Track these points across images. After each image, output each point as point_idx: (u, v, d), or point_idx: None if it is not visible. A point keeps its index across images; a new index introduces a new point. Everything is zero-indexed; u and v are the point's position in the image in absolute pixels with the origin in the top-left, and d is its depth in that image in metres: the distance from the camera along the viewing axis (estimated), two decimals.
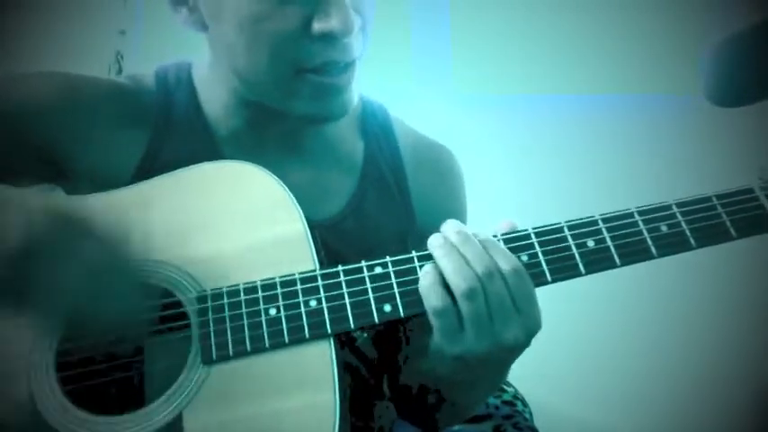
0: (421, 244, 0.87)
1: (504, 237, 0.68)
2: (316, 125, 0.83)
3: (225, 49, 0.76)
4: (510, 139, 1.88)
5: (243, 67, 0.75)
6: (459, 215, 0.93)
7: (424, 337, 0.87)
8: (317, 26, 0.69)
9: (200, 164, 0.74)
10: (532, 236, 0.68)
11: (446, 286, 0.64)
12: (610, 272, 0.68)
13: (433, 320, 0.65)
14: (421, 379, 0.79)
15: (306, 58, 0.72)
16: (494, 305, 0.63)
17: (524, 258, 0.67)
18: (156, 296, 0.68)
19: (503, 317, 0.63)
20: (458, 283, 0.63)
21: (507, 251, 0.66)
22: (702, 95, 1.25)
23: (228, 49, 0.75)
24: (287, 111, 0.77)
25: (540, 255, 0.67)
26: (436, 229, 0.88)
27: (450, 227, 0.67)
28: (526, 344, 0.65)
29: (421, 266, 0.67)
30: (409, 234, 0.87)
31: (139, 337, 0.68)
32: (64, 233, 0.60)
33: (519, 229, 0.69)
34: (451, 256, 0.64)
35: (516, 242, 0.68)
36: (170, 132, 0.81)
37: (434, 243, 0.67)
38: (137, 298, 0.65)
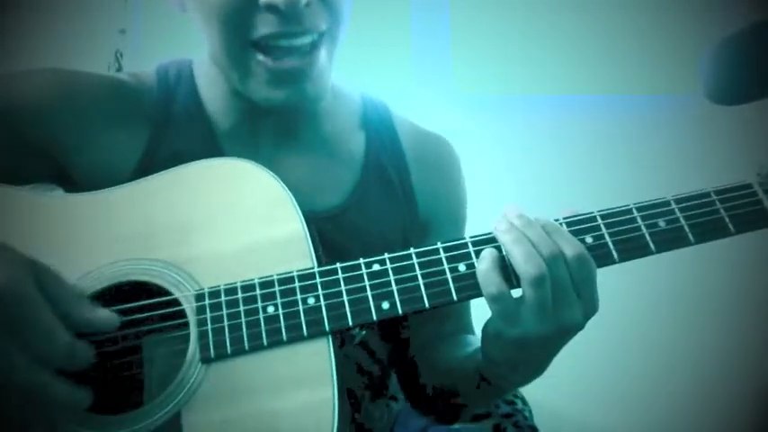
0: (422, 234, 0.88)
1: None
2: (292, 123, 0.83)
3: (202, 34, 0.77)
4: (510, 139, 1.88)
5: (210, 49, 0.76)
6: (461, 204, 0.94)
7: (433, 327, 0.87)
8: None
9: (197, 161, 0.74)
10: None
11: (503, 270, 0.64)
12: (609, 271, 0.68)
13: (491, 305, 0.65)
14: (442, 372, 0.80)
15: (252, 29, 0.71)
16: (557, 290, 0.63)
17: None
18: (155, 295, 0.68)
19: (565, 301, 0.63)
20: (527, 270, 0.62)
21: (570, 235, 0.65)
22: (702, 94, 1.25)
23: (201, 31, 0.76)
24: (251, 97, 0.76)
25: None
26: (438, 218, 0.89)
27: (511, 211, 0.67)
28: (582, 326, 0.65)
29: (419, 263, 0.67)
30: (410, 225, 0.87)
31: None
32: None
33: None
34: (521, 242, 0.64)
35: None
36: (170, 128, 0.81)
37: (501, 228, 0.66)
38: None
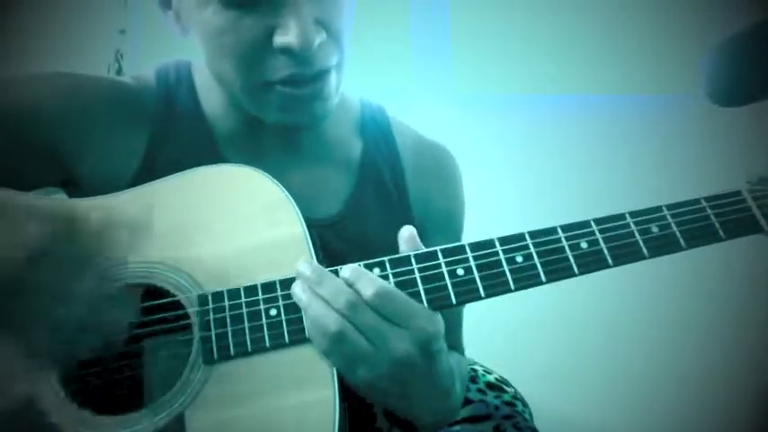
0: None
1: (500, 239, 0.68)
2: (293, 131, 0.83)
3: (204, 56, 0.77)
4: (510, 139, 1.88)
5: (216, 75, 0.76)
6: (457, 215, 0.94)
7: None
8: (277, 40, 0.69)
9: (199, 167, 0.74)
10: (527, 237, 0.69)
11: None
12: (609, 272, 0.69)
13: (328, 360, 0.65)
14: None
15: (270, 71, 0.71)
16: (368, 333, 0.63)
17: (519, 259, 0.67)
18: (158, 297, 0.68)
19: (382, 340, 0.63)
20: (324, 330, 0.63)
21: (369, 274, 0.65)
22: (703, 94, 1.25)
23: (204, 57, 0.76)
24: (261, 118, 0.77)
25: (534, 256, 0.68)
26: (432, 226, 0.89)
27: (303, 269, 0.66)
28: (424, 353, 0.65)
29: (419, 267, 0.68)
30: None
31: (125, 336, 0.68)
32: (63, 251, 0.61)
33: (498, 234, 0.69)
34: (312, 304, 0.64)
35: (511, 243, 0.68)
36: (170, 131, 0.81)
37: (297, 292, 0.66)
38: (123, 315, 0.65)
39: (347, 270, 0.66)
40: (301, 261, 0.67)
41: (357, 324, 0.63)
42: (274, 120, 0.76)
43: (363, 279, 0.65)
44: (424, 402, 0.69)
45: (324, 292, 0.64)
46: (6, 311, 0.59)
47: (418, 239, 0.69)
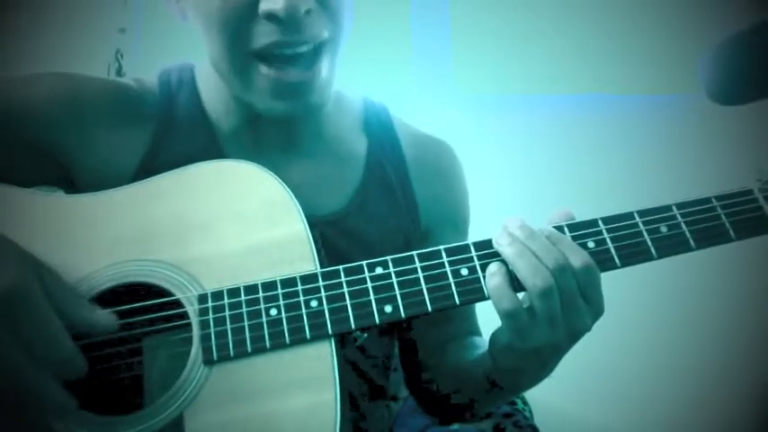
0: (423, 239, 0.88)
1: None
2: (294, 128, 0.83)
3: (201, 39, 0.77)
4: (510, 139, 1.88)
5: (209, 54, 0.76)
6: (463, 209, 0.94)
7: (440, 330, 0.87)
8: (263, 6, 0.69)
9: (200, 163, 0.74)
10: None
11: (514, 285, 0.65)
12: (609, 273, 0.68)
13: (505, 321, 0.65)
14: (449, 374, 0.82)
15: (252, 39, 0.71)
16: (566, 299, 0.63)
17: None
18: (156, 296, 0.68)
19: (574, 309, 0.64)
20: (534, 283, 0.63)
21: (574, 243, 0.66)
22: (704, 93, 1.26)
23: (202, 40, 0.76)
24: (254, 107, 0.76)
25: None
26: (439, 223, 0.89)
27: (512, 223, 0.67)
28: (590, 328, 0.66)
29: (422, 267, 0.67)
30: (411, 229, 0.87)
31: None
32: None
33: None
34: (525, 255, 0.64)
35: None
36: (172, 131, 0.81)
37: (503, 242, 0.66)
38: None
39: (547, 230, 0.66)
40: (508, 218, 0.67)
41: (561, 287, 0.63)
42: (268, 108, 0.75)
43: (565, 243, 0.65)
44: (539, 377, 0.72)
45: (535, 248, 0.64)
46: None
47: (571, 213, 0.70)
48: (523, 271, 0.63)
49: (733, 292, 1.81)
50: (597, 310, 0.66)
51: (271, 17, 0.69)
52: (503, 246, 0.66)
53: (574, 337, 0.66)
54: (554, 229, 0.67)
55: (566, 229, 0.68)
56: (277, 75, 0.72)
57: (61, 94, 0.78)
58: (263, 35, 0.70)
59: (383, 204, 0.86)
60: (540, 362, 0.68)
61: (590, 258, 0.65)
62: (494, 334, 0.70)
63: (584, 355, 1.83)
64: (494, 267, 0.65)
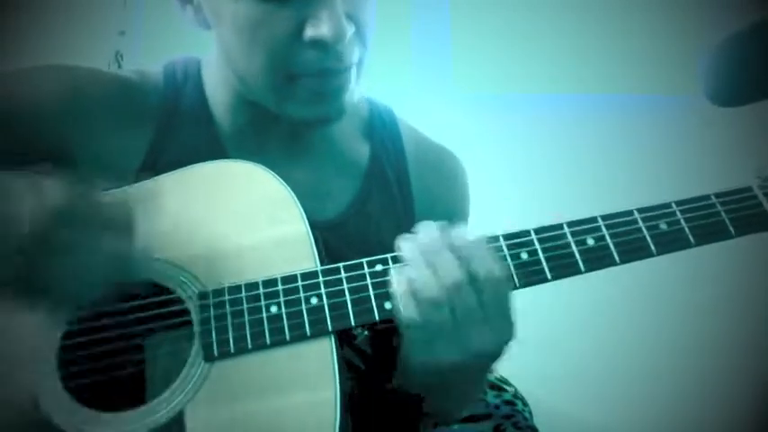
0: None
1: (504, 235, 0.68)
2: (312, 128, 0.83)
3: (225, 50, 0.76)
4: (510, 139, 1.88)
5: (240, 69, 0.76)
6: (461, 214, 0.93)
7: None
8: (309, 33, 0.69)
9: (203, 163, 0.74)
10: (532, 233, 0.68)
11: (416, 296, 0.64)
12: (609, 272, 0.68)
13: (404, 330, 0.65)
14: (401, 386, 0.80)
15: (299, 65, 0.71)
16: (461, 315, 0.63)
17: (524, 256, 0.67)
18: (158, 293, 0.68)
19: (470, 326, 0.63)
20: (423, 293, 0.63)
21: (488, 256, 0.65)
22: (703, 95, 1.26)
23: (228, 50, 0.75)
24: (282, 114, 0.77)
25: (539, 252, 0.67)
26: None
27: (423, 230, 0.66)
28: (496, 353, 0.65)
29: None
30: (409, 230, 0.87)
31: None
32: (76, 220, 0.60)
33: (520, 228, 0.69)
34: (418, 266, 0.64)
35: (516, 239, 0.68)
36: (175, 127, 0.81)
37: (405, 248, 0.66)
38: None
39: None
40: (421, 224, 0.67)
41: (454, 302, 0.62)
42: (297, 114, 0.76)
43: (476, 255, 0.64)
44: (459, 400, 0.70)
45: (436, 259, 0.64)
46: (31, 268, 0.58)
47: None
48: (415, 281, 0.63)
49: (733, 292, 1.81)
50: (501, 333, 0.64)
51: (317, 44, 0.69)
52: (404, 251, 0.66)
53: (476, 358, 0.64)
54: (472, 238, 0.66)
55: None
56: (316, 84, 0.73)
57: (62, 87, 0.77)
58: (309, 62, 0.71)
59: (382, 210, 0.86)
60: (442, 382, 0.67)
61: (498, 273, 0.64)
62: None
63: (583, 356, 1.83)
64: (397, 275, 0.65)
